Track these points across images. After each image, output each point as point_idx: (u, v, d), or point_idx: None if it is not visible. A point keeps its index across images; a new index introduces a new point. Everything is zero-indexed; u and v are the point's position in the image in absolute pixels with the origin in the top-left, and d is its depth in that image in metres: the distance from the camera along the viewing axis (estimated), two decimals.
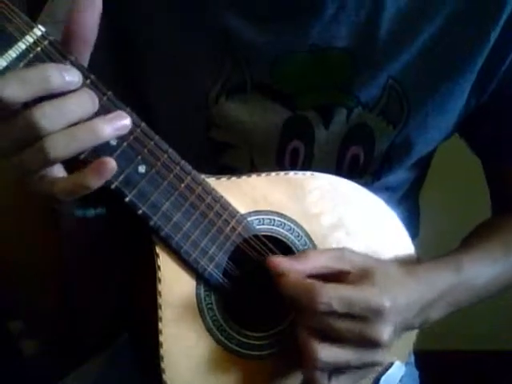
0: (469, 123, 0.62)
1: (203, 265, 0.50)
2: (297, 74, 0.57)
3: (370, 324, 0.49)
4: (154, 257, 0.50)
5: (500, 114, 0.62)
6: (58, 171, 0.44)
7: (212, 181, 0.52)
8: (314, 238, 0.55)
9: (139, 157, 0.47)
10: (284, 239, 0.54)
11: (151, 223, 0.48)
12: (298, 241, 0.55)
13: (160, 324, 0.49)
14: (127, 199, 0.46)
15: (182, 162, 0.49)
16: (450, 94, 0.59)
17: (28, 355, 0.76)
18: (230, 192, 0.52)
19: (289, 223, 0.55)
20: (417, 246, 0.61)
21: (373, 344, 0.50)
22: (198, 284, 0.51)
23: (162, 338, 0.49)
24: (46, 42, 0.42)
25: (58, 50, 0.43)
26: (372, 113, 0.58)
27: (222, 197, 0.51)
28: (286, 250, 0.55)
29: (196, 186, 0.50)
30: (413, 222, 0.68)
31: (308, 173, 0.56)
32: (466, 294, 0.59)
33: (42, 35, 0.42)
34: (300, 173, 0.56)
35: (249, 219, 0.53)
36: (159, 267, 0.49)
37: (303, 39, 0.56)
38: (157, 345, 0.49)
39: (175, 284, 0.50)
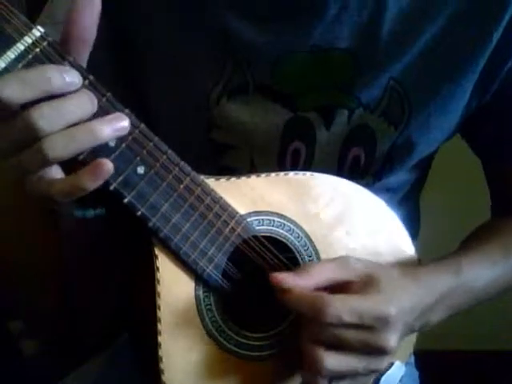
0: (470, 124, 0.62)
1: (202, 266, 0.50)
2: (298, 75, 0.57)
3: (377, 333, 0.49)
4: (153, 258, 0.49)
5: (502, 115, 0.62)
6: (56, 172, 0.44)
7: (211, 181, 0.51)
8: (313, 239, 0.55)
9: (138, 158, 0.46)
10: (283, 240, 0.54)
11: (150, 224, 0.48)
12: (298, 241, 0.55)
13: (159, 325, 0.49)
14: (126, 200, 0.46)
15: (182, 162, 0.49)
16: (451, 95, 0.59)
17: (28, 355, 0.76)
18: (230, 193, 0.52)
19: (288, 224, 0.54)
20: (417, 247, 0.61)
21: (379, 352, 0.50)
22: (197, 285, 0.51)
23: (160, 339, 0.49)
24: (44, 43, 0.42)
25: (57, 51, 0.43)
26: (373, 114, 0.58)
27: (221, 198, 0.51)
28: (285, 250, 0.55)
29: (195, 187, 0.50)
30: (413, 223, 0.67)
31: (308, 173, 0.56)
32: (465, 297, 0.59)
33: (41, 36, 0.42)
34: (300, 173, 0.56)
35: (248, 220, 0.53)
36: (158, 268, 0.49)
37: (305, 40, 0.56)
38: (156, 345, 0.49)
39: (174, 285, 0.50)
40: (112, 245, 0.65)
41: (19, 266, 0.68)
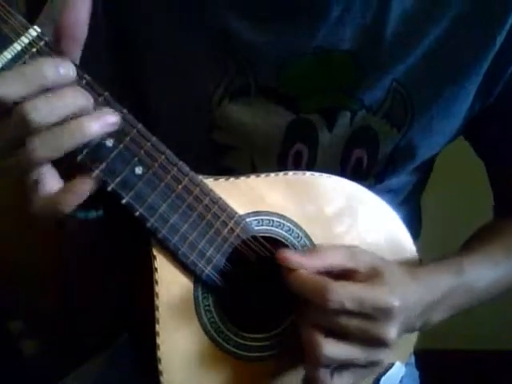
0: (473, 126, 0.62)
1: (201, 267, 0.50)
2: (301, 77, 0.57)
3: (379, 323, 0.49)
4: (151, 258, 0.49)
5: (505, 117, 0.62)
6: (51, 178, 0.43)
7: (210, 182, 0.51)
8: (313, 239, 0.55)
9: (136, 158, 0.46)
10: (283, 240, 0.54)
11: (148, 225, 0.48)
12: (298, 242, 0.55)
13: (157, 326, 0.49)
14: (124, 201, 0.46)
15: (180, 163, 0.49)
16: (455, 98, 0.58)
17: (28, 355, 0.76)
18: (229, 193, 0.52)
19: (288, 224, 0.54)
20: (418, 248, 0.61)
21: (379, 343, 0.50)
22: (195, 286, 0.51)
23: (159, 340, 0.49)
24: (41, 43, 0.42)
25: (54, 51, 0.43)
26: (376, 116, 0.58)
27: (220, 198, 0.51)
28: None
29: (194, 188, 0.49)
30: (414, 224, 0.67)
31: (308, 173, 0.56)
32: (466, 297, 0.59)
33: (38, 36, 0.42)
34: (299, 173, 0.56)
35: (247, 220, 0.52)
36: (156, 269, 0.49)
37: (308, 42, 0.56)
38: (154, 346, 0.49)
39: (172, 286, 0.50)
40: (112, 245, 0.64)
41: (19, 266, 0.68)
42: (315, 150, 0.59)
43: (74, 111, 0.42)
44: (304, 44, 0.56)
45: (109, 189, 0.45)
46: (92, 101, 0.43)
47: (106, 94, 0.45)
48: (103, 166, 0.45)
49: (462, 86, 0.58)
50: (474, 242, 0.64)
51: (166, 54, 0.57)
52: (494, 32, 0.56)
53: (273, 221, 0.54)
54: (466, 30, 0.56)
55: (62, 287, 0.70)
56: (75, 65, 0.43)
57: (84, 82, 0.44)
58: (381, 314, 0.49)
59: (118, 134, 0.45)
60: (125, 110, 0.46)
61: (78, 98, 0.42)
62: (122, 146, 0.45)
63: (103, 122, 0.43)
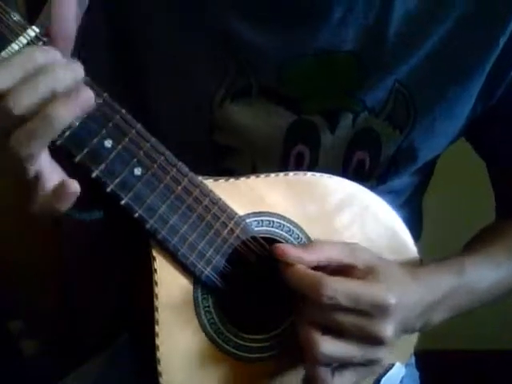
0: (475, 127, 0.62)
1: (200, 268, 0.50)
2: (303, 79, 0.56)
3: (375, 320, 0.49)
4: (150, 260, 0.49)
5: (508, 118, 0.62)
6: (52, 176, 0.43)
7: (210, 182, 0.51)
8: (313, 240, 0.55)
9: (135, 159, 0.46)
10: (283, 241, 0.54)
11: (147, 226, 0.47)
12: (298, 242, 0.54)
13: (157, 327, 0.49)
14: (123, 202, 0.46)
15: (179, 163, 0.48)
16: (457, 99, 0.58)
17: (28, 355, 0.76)
18: (229, 194, 0.52)
19: (288, 224, 0.54)
20: (419, 249, 0.61)
21: (376, 340, 0.50)
22: (195, 287, 0.51)
23: (158, 341, 0.49)
24: (39, 44, 0.42)
25: None
26: (378, 117, 0.58)
27: (219, 199, 0.51)
28: None
29: (193, 189, 0.49)
30: (416, 225, 0.67)
31: (309, 173, 0.56)
32: (467, 298, 0.59)
33: (36, 36, 0.42)
34: (300, 173, 0.56)
35: (247, 221, 0.52)
36: (156, 270, 0.49)
37: (310, 43, 0.55)
38: (154, 347, 0.49)
39: (172, 287, 0.50)
40: (112, 245, 0.64)
41: (19, 266, 0.68)
42: (317, 151, 0.59)
43: (54, 88, 0.40)
44: (306, 45, 0.55)
45: (108, 190, 0.45)
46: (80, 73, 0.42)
47: (105, 95, 0.45)
48: (102, 166, 0.45)
49: (465, 88, 0.58)
50: (476, 243, 0.64)
51: (166, 54, 0.57)
52: (497, 33, 0.56)
53: (273, 221, 0.53)
54: (470, 31, 0.56)
55: (61, 287, 0.70)
56: None
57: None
58: (377, 310, 0.49)
59: (116, 135, 0.45)
60: (124, 111, 0.46)
61: (63, 77, 0.41)
62: (120, 146, 0.45)
63: (79, 100, 0.41)
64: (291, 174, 0.55)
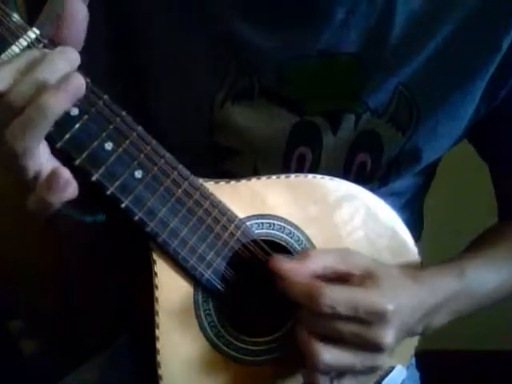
0: (478, 128, 0.62)
1: (201, 271, 0.50)
2: (305, 80, 0.56)
3: (374, 327, 0.49)
4: (151, 263, 0.49)
5: (510, 120, 0.61)
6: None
7: (210, 185, 0.51)
8: (314, 242, 0.55)
9: (135, 162, 0.46)
10: (284, 243, 0.54)
11: (148, 229, 0.47)
12: (299, 245, 0.54)
13: (157, 331, 0.49)
14: (123, 205, 0.46)
15: (180, 166, 0.48)
16: (460, 101, 0.58)
17: (28, 355, 0.76)
18: (229, 196, 0.51)
19: (289, 227, 0.54)
20: (419, 250, 0.60)
21: (375, 347, 0.49)
22: (195, 290, 0.50)
23: (158, 345, 0.49)
24: (39, 45, 0.42)
25: None
26: (381, 119, 0.57)
27: (220, 202, 0.50)
28: (285, 254, 0.54)
29: (193, 192, 0.49)
30: (416, 226, 0.67)
31: (310, 175, 0.56)
32: (468, 301, 0.59)
33: (37, 38, 0.42)
34: (301, 175, 0.55)
35: (248, 224, 0.52)
36: (156, 274, 0.49)
37: (312, 44, 0.55)
38: (154, 351, 0.49)
39: (172, 290, 0.49)
40: (112, 245, 0.64)
41: (19, 266, 0.68)
42: (319, 153, 0.58)
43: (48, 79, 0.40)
44: (308, 46, 0.55)
45: (108, 193, 0.45)
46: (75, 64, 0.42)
47: (106, 97, 0.44)
48: (102, 169, 0.44)
49: (468, 89, 0.57)
50: (477, 246, 0.64)
51: (166, 54, 0.56)
52: (500, 35, 0.56)
53: (274, 224, 0.53)
54: (473, 33, 0.56)
55: (62, 287, 0.70)
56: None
57: None
58: (375, 317, 0.49)
59: (117, 138, 0.45)
60: (124, 113, 0.45)
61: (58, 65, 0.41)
62: (121, 149, 0.45)
63: (69, 88, 0.41)
64: (292, 176, 0.55)
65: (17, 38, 0.41)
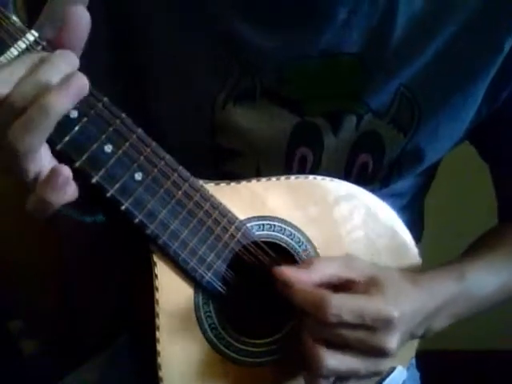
0: (479, 130, 0.61)
1: (201, 273, 0.50)
2: (305, 80, 0.56)
3: (379, 334, 0.49)
4: (151, 265, 0.49)
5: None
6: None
7: (211, 186, 0.51)
8: (315, 243, 0.55)
9: (135, 164, 0.46)
10: (284, 245, 0.54)
11: (148, 231, 0.47)
12: (299, 246, 0.54)
13: (157, 333, 0.49)
14: (123, 207, 0.46)
15: (180, 168, 0.48)
16: (462, 102, 0.58)
17: (28, 355, 0.76)
18: (230, 198, 0.51)
19: (289, 228, 0.54)
20: (420, 251, 0.60)
21: (380, 353, 0.50)
22: (196, 292, 0.50)
23: (159, 347, 0.49)
24: (38, 48, 0.42)
25: None
26: (382, 120, 0.57)
27: (220, 203, 0.50)
28: (286, 255, 0.54)
29: (194, 193, 0.49)
30: (417, 227, 0.67)
31: (310, 176, 0.56)
32: (468, 304, 0.59)
33: (35, 40, 0.41)
34: (301, 176, 0.55)
35: (248, 225, 0.52)
36: (156, 276, 0.49)
37: (314, 45, 0.55)
38: (155, 353, 0.49)
39: (173, 292, 0.49)
40: (112, 245, 0.64)
41: (19, 266, 0.68)
42: (320, 154, 0.58)
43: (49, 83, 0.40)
44: (309, 47, 0.55)
45: (108, 195, 0.45)
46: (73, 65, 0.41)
47: (105, 99, 0.44)
48: (102, 172, 0.44)
49: (470, 91, 0.57)
50: (477, 248, 0.64)
51: (166, 54, 0.56)
52: (502, 36, 0.56)
53: (274, 225, 0.53)
54: (475, 34, 0.55)
55: (62, 287, 0.70)
56: None
57: None
58: (381, 324, 0.49)
59: (117, 140, 0.45)
60: (124, 115, 0.45)
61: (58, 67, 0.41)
62: (121, 151, 0.45)
63: (73, 87, 0.40)
64: (292, 177, 0.55)
65: (15, 40, 0.41)
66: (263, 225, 0.53)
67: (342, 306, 0.47)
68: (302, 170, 0.59)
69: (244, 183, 0.53)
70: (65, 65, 0.41)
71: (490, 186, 0.67)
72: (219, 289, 0.51)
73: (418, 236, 0.65)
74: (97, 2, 0.46)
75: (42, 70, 0.40)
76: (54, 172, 0.41)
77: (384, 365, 0.51)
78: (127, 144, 0.45)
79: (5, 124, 0.40)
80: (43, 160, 0.42)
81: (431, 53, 0.56)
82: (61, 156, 0.43)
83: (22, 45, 0.41)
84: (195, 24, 0.55)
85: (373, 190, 0.58)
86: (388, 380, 0.57)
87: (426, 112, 0.57)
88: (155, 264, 0.49)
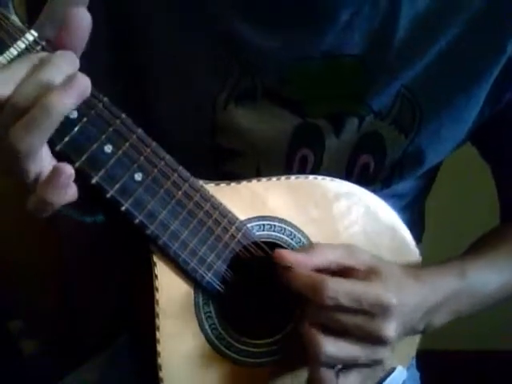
0: (482, 131, 0.61)
1: (201, 273, 0.49)
2: (307, 81, 0.56)
3: (377, 319, 0.49)
4: (151, 265, 0.49)
5: None
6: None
7: (211, 187, 0.51)
8: (313, 243, 0.54)
9: (135, 164, 0.46)
10: (285, 245, 0.53)
11: (148, 232, 0.47)
12: (300, 247, 0.54)
13: (157, 333, 0.49)
14: (123, 208, 0.46)
15: (180, 168, 0.48)
16: (464, 104, 0.58)
17: (28, 355, 0.76)
18: (230, 198, 0.51)
19: (289, 228, 0.54)
20: (420, 251, 0.60)
21: (379, 340, 0.50)
22: (196, 292, 0.50)
23: (159, 348, 0.49)
24: (38, 48, 0.41)
25: None
26: (384, 121, 0.57)
27: (220, 204, 0.50)
28: None
29: (194, 193, 0.49)
30: (417, 227, 0.67)
31: (310, 176, 0.55)
32: (470, 301, 0.59)
33: (34, 40, 0.41)
34: (302, 177, 0.55)
35: (248, 225, 0.52)
36: (156, 276, 0.49)
37: (315, 46, 0.55)
38: (155, 354, 0.49)
39: (173, 293, 0.49)
40: (112, 245, 0.64)
41: (19, 266, 0.68)
42: (321, 155, 0.58)
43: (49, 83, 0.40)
44: (311, 48, 0.55)
45: (108, 196, 0.45)
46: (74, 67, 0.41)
47: (105, 99, 0.44)
48: (102, 172, 0.44)
49: (473, 92, 0.57)
50: (479, 247, 0.64)
51: (166, 54, 0.56)
52: (505, 38, 0.55)
53: (274, 226, 0.53)
54: (478, 35, 0.55)
55: (62, 287, 0.70)
56: None
57: None
58: (378, 310, 0.49)
59: (117, 140, 0.45)
60: (124, 115, 0.45)
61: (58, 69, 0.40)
62: (120, 152, 0.45)
63: (76, 87, 0.40)
64: (293, 177, 0.55)
65: (15, 40, 0.41)
66: (263, 225, 0.53)
67: (339, 288, 0.48)
68: (303, 170, 0.58)
69: (244, 183, 0.53)
70: (66, 65, 0.41)
71: (491, 186, 0.67)
72: (219, 289, 0.51)
73: (418, 237, 0.65)
74: (97, 2, 0.46)
75: (44, 70, 0.40)
76: (56, 170, 0.41)
77: (384, 353, 0.51)
78: (127, 144, 0.45)
79: (6, 125, 0.40)
80: (44, 161, 0.42)
81: (434, 53, 0.55)
82: (60, 156, 0.43)
83: (21, 45, 0.41)
84: (195, 24, 0.55)
85: (374, 191, 0.58)
86: (388, 380, 0.57)
87: (427, 113, 0.57)
88: (155, 264, 0.49)
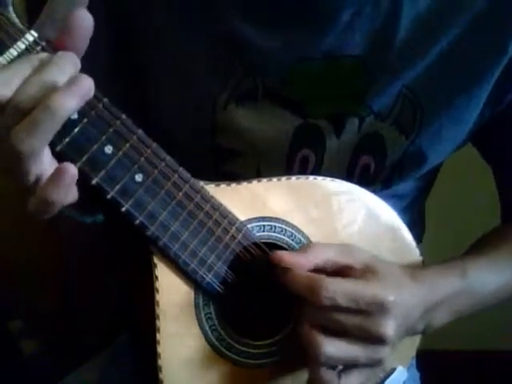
0: (483, 132, 0.61)
1: (202, 275, 0.49)
2: (308, 82, 0.56)
3: (375, 319, 0.49)
4: (151, 266, 0.49)
5: None
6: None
7: (211, 188, 0.51)
8: (309, 243, 0.54)
9: (136, 165, 0.45)
10: (285, 246, 0.53)
11: (149, 233, 0.47)
12: (300, 247, 0.54)
13: (158, 335, 0.48)
14: (124, 209, 0.45)
15: (180, 169, 0.48)
16: (465, 104, 0.58)
17: (28, 355, 0.76)
18: (230, 199, 0.51)
19: (290, 229, 0.54)
20: (420, 252, 0.60)
21: (378, 339, 0.50)
22: (196, 293, 0.50)
23: (159, 349, 0.49)
24: (38, 48, 0.41)
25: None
26: (385, 122, 0.57)
27: (221, 204, 0.50)
28: None
29: (194, 194, 0.49)
30: (417, 228, 0.67)
31: (311, 177, 0.55)
32: (469, 301, 0.59)
33: (34, 41, 0.41)
34: (302, 177, 0.55)
35: (249, 226, 0.52)
36: (157, 277, 0.49)
37: (316, 46, 0.54)
38: (155, 355, 0.49)
39: (173, 294, 0.49)
40: (112, 244, 0.64)
41: (19, 266, 0.68)
42: (322, 155, 0.58)
43: (50, 86, 0.40)
44: (312, 48, 0.55)
45: (108, 197, 0.45)
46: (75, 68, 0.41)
47: (105, 100, 0.44)
48: (102, 173, 0.44)
49: (473, 93, 0.57)
50: (479, 247, 0.64)
51: (166, 54, 0.56)
52: (506, 39, 0.55)
53: (275, 226, 0.53)
54: (479, 36, 0.55)
55: (62, 287, 0.70)
56: None
57: None
58: (375, 309, 0.49)
59: (117, 141, 0.44)
60: (124, 116, 0.45)
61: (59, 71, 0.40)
62: (121, 153, 0.45)
63: (79, 88, 0.40)
64: (293, 178, 0.55)
65: (15, 40, 0.40)
66: (264, 226, 0.53)
67: (336, 288, 0.48)
68: (304, 170, 0.58)
69: (245, 184, 0.53)
70: (70, 65, 0.41)
71: (491, 187, 0.67)
72: (220, 290, 0.51)
73: (418, 237, 0.65)
74: (97, 3, 0.46)
75: (47, 71, 0.40)
76: (60, 170, 0.41)
77: (384, 352, 0.51)
78: (127, 145, 0.45)
79: (7, 126, 0.40)
80: (44, 162, 0.41)
81: (435, 54, 0.55)
82: (60, 157, 0.43)
83: (21, 45, 0.40)
84: (195, 24, 0.55)
85: (374, 191, 0.58)
86: (388, 381, 0.57)
87: (428, 114, 0.57)
88: (155, 265, 0.49)
